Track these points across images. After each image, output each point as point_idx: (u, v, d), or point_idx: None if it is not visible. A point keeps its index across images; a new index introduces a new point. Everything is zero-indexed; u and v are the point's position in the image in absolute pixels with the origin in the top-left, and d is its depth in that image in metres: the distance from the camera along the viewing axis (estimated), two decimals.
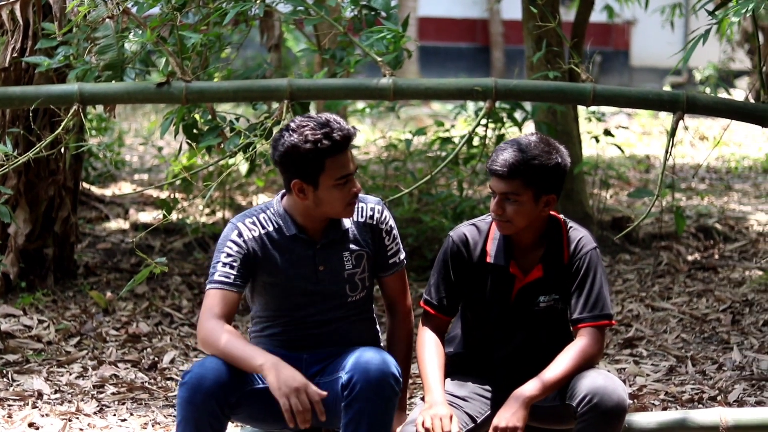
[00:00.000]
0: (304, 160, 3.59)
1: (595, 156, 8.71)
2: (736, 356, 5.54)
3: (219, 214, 8.18)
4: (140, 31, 4.58)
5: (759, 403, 4.92)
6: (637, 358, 5.62)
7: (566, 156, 3.76)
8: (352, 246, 3.78)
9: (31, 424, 4.62)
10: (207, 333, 3.59)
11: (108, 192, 9.21)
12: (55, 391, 5.04)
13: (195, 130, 4.95)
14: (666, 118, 13.65)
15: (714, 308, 6.40)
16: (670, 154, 4.48)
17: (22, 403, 4.87)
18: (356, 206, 3.77)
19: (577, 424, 3.62)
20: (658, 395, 5.05)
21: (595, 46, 7.32)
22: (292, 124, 3.64)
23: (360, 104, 10.86)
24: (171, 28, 4.66)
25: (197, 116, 4.94)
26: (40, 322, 5.92)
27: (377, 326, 3.94)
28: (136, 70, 4.68)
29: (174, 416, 4.25)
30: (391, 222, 3.85)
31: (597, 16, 9.34)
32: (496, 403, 3.75)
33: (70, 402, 4.91)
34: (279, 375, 3.43)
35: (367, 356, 3.54)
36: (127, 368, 5.39)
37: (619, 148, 8.05)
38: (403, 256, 3.90)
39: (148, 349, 5.69)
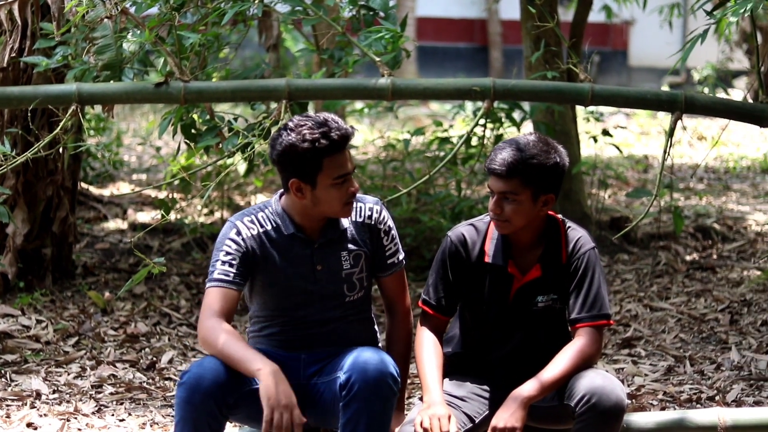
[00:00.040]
0: (302, 159, 3.60)
1: (593, 156, 8.71)
2: (734, 356, 5.54)
3: (217, 214, 8.17)
4: (138, 31, 4.58)
5: (757, 403, 4.92)
6: (635, 358, 5.62)
7: (565, 155, 3.76)
8: (350, 246, 3.78)
9: (29, 424, 4.62)
10: (206, 332, 3.59)
11: (106, 192, 9.20)
12: (54, 391, 5.04)
13: (193, 130, 4.95)
14: (664, 118, 13.66)
15: (712, 308, 6.40)
16: (669, 154, 4.48)
17: (20, 403, 4.87)
18: (354, 206, 3.77)
19: (575, 424, 3.62)
20: (657, 395, 5.05)
21: (593, 46, 7.32)
22: (290, 124, 3.64)
23: (358, 104, 10.87)
24: (169, 28, 4.66)
25: (195, 116, 4.93)
26: (39, 322, 5.92)
27: (375, 326, 3.95)
28: (135, 70, 4.67)
29: (172, 416, 4.25)
30: (390, 222, 3.85)
31: (595, 16, 9.34)
32: (495, 403, 3.75)
33: (68, 402, 4.91)
34: (274, 385, 3.43)
35: (365, 356, 3.54)
36: (126, 368, 5.39)
37: (618, 148, 8.05)
38: (402, 256, 3.90)
39: (147, 349, 5.69)
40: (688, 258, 7.54)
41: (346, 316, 3.81)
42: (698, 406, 4.89)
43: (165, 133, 4.98)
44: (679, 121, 4.36)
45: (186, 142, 5.00)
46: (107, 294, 6.38)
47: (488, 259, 3.82)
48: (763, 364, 5.42)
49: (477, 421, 3.79)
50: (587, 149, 8.66)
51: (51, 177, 6.32)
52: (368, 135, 12.21)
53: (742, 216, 8.98)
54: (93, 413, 4.80)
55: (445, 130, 7.92)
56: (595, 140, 7.91)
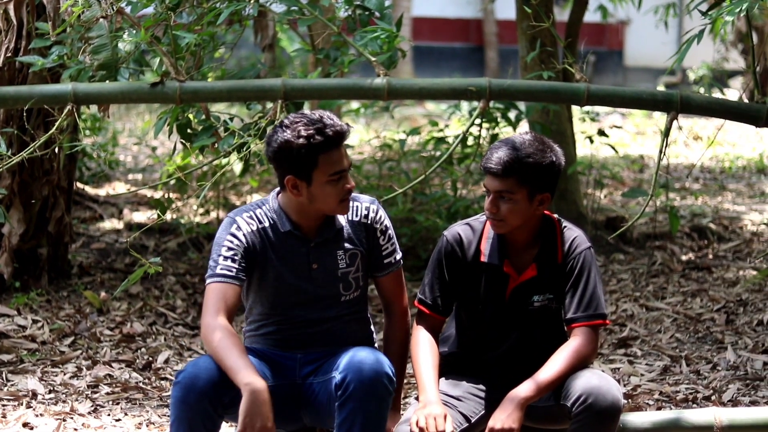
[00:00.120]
0: (297, 155, 3.60)
1: (589, 156, 8.72)
2: (730, 356, 5.55)
3: (213, 214, 8.17)
4: (134, 31, 4.57)
5: (753, 403, 4.92)
6: (631, 358, 5.63)
7: (560, 155, 3.76)
8: (346, 245, 3.78)
9: (25, 424, 4.62)
10: (205, 331, 3.58)
11: (102, 192, 9.19)
12: (50, 391, 5.04)
13: (189, 130, 4.95)
14: (660, 117, 13.65)
15: (708, 308, 6.41)
16: (664, 154, 4.48)
17: (16, 403, 4.86)
18: (351, 205, 3.77)
19: (571, 424, 3.62)
20: (653, 395, 5.05)
21: (589, 45, 7.34)
22: (286, 121, 3.65)
23: (354, 104, 10.86)
24: (165, 27, 4.65)
25: (191, 116, 4.93)
26: (35, 322, 5.92)
27: (371, 326, 3.94)
28: (130, 70, 4.67)
29: (168, 416, 4.24)
30: (387, 222, 3.85)
31: (591, 16, 9.35)
32: (491, 403, 3.75)
33: (64, 402, 4.91)
34: (256, 407, 3.39)
35: (360, 356, 3.54)
36: (122, 368, 5.38)
37: (613, 148, 8.06)
38: (399, 256, 3.89)
39: (143, 349, 5.69)
40: (684, 258, 7.54)
41: (342, 315, 3.81)
42: (694, 405, 4.90)
43: (161, 132, 4.98)
44: (674, 121, 4.36)
45: (182, 142, 5.00)
46: (103, 294, 6.38)
47: (484, 258, 3.82)
48: (759, 363, 5.42)
49: (473, 420, 3.79)
50: (583, 149, 8.67)
51: (47, 177, 6.31)
52: (364, 135, 12.21)
53: (738, 216, 8.99)
54: (89, 413, 4.79)
55: (441, 130, 7.91)
56: (591, 140, 7.91)
